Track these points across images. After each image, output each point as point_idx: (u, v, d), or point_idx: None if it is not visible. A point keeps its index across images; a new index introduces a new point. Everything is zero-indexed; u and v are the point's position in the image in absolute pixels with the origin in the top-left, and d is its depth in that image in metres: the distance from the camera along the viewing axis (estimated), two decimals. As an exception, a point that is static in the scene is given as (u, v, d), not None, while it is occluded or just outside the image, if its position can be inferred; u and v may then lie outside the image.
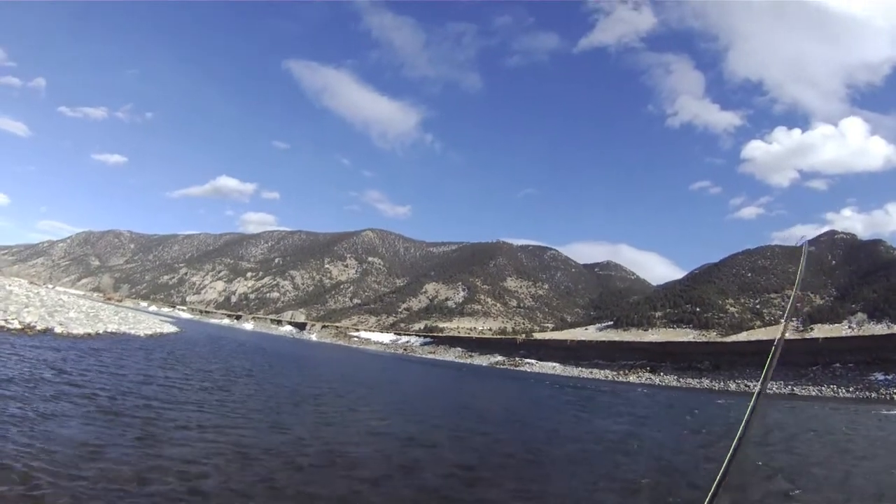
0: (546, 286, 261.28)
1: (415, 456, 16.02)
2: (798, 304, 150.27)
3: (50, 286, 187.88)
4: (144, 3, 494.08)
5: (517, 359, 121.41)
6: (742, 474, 14.01)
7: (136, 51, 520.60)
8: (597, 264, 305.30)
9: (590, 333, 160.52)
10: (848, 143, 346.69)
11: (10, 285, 56.65)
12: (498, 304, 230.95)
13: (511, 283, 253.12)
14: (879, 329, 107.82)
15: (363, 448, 16.34)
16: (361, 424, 21.20)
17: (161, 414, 16.07)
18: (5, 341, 24.66)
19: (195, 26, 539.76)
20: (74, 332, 35.07)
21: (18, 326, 29.70)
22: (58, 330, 33.31)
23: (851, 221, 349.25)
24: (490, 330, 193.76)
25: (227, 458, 12.70)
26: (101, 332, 40.33)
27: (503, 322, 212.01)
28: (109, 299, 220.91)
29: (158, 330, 59.66)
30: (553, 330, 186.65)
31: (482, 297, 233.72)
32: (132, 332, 48.02)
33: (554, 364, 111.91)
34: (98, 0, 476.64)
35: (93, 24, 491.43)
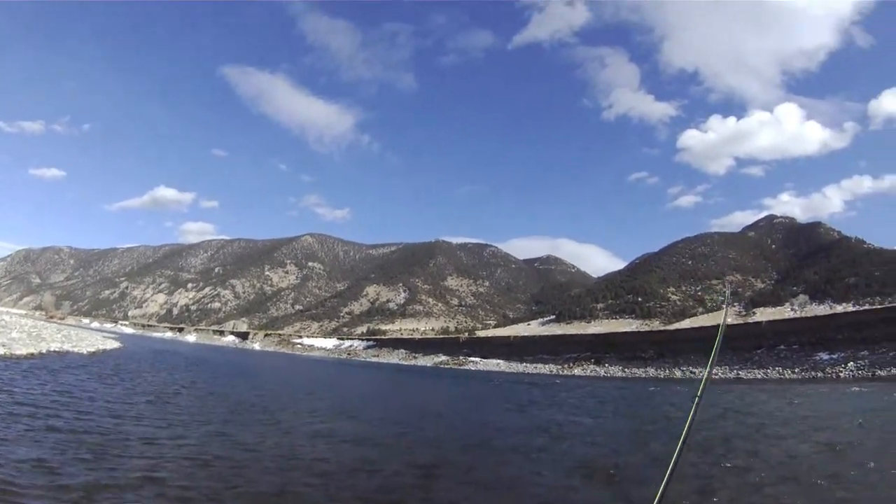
0: (487, 283, 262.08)
1: (363, 455, 15.99)
2: (739, 289, 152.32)
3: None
4: (78, 12, 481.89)
5: (461, 357, 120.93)
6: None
7: (72, 63, 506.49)
8: (537, 259, 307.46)
9: (533, 328, 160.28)
10: (784, 129, 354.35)
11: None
12: (440, 304, 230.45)
13: (452, 281, 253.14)
14: (822, 310, 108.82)
15: (311, 449, 16.27)
16: (307, 427, 20.73)
17: (109, 429, 15.71)
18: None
19: (130, 35, 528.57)
20: (17, 352, 34.61)
21: (-44, 350, 28.12)
22: (0, 351, 32.78)
23: (790, 206, 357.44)
24: (433, 330, 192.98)
25: (179, 467, 12.47)
26: (44, 351, 40.06)
27: (446, 321, 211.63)
28: (52, 317, 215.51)
29: (101, 347, 58.87)
30: (496, 327, 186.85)
31: (424, 297, 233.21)
32: (75, 349, 47.50)
33: (498, 361, 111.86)
34: (32, 10, 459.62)
35: (28, 35, 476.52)
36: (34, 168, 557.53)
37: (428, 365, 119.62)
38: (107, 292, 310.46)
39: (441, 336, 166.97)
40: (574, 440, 20.68)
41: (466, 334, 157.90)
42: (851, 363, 61.40)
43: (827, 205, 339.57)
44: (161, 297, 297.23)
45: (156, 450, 13.76)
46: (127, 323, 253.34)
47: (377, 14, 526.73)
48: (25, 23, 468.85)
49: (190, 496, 10.42)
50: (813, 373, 62.26)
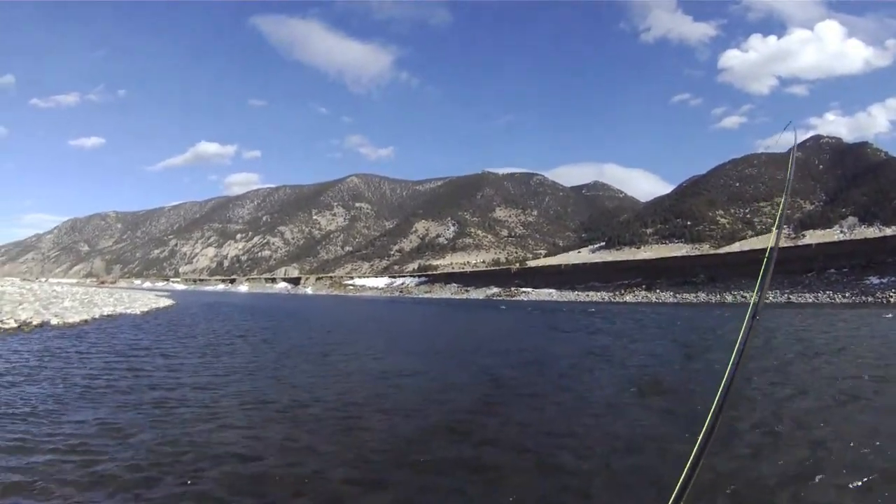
0: (535, 213, 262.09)
1: (421, 386, 16.33)
2: (788, 211, 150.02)
3: (42, 279, 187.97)
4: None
5: (513, 289, 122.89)
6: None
7: (101, 31, 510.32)
8: (584, 186, 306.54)
9: (583, 256, 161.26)
10: (826, 47, 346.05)
11: (2, 286, 56.57)
12: (489, 236, 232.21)
13: (500, 213, 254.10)
14: (871, 232, 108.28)
15: (370, 386, 16.41)
16: (361, 364, 21.30)
17: (167, 384, 15.71)
18: (1, 341, 24.28)
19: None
20: (70, 320, 34.47)
21: (14, 325, 29.41)
22: (54, 322, 32.79)
23: (835, 125, 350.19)
24: (483, 262, 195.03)
25: (241, 414, 12.46)
26: (97, 316, 39.86)
27: (496, 253, 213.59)
28: (103, 283, 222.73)
29: (154, 306, 58.57)
30: (546, 256, 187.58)
31: (473, 230, 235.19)
32: (128, 311, 47.42)
33: (550, 290, 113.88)
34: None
35: (54, 12, 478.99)
36: (73, 139, 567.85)
37: (480, 297, 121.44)
38: (156, 252, 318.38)
39: (492, 268, 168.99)
40: (624, 362, 21.21)
41: (517, 265, 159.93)
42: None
43: (873, 124, 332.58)
44: (211, 251, 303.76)
45: (214, 399, 13.89)
46: (179, 280, 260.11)
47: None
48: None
49: (253, 444, 10.22)
50: (863, 297, 62.69)
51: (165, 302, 70.26)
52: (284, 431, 11.05)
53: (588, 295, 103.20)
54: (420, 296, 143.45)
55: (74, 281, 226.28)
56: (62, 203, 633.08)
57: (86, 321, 36.07)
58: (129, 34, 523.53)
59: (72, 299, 50.53)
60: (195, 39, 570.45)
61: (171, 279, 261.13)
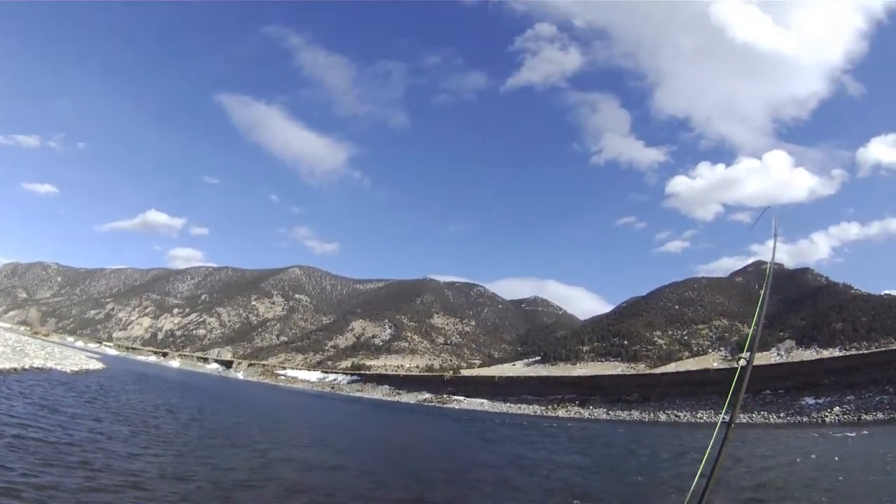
0: (473, 323, 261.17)
1: (335, 481, 17.04)
2: (726, 334, 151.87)
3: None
4: (78, 31, 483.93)
5: (445, 396, 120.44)
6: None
7: (70, 80, 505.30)
8: (524, 300, 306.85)
9: (518, 369, 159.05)
10: (772, 176, 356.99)
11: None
12: (425, 342, 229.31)
13: (438, 320, 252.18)
14: (809, 355, 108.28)
15: (285, 474, 17.04)
16: (282, 453, 21.75)
17: (85, 446, 15.99)
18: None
19: (129, 56, 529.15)
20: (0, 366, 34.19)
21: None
22: None
23: (777, 252, 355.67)
24: (417, 367, 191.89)
25: (155, 485, 13.03)
26: (27, 367, 40.13)
27: (430, 359, 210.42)
28: (36, 333, 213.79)
29: (85, 367, 59.33)
30: (481, 366, 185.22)
31: (409, 334, 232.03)
32: (58, 367, 47.65)
33: (482, 400, 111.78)
34: (33, 24, 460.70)
35: (28, 49, 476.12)
36: (27, 182, 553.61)
37: (411, 402, 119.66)
38: (92, 312, 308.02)
39: (425, 374, 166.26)
40: (543, 474, 22.04)
41: (451, 373, 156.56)
42: (837, 408, 61.39)
43: (814, 251, 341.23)
44: (146, 321, 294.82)
45: (132, 468, 14.07)
46: (111, 344, 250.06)
47: (373, 51, 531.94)
48: (25, 36, 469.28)
49: None
50: (798, 417, 62.42)
51: (97, 364, 71.54)
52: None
53: (520, 407, 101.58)
54: (351, 394, 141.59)
55: (8, 325, 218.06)
56: (5, 244, 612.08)
57: (15, 370, 36.50)
58: (98, 88, 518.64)
59: (3, 344, 51.55)
60: (160, 106, 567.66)
61: (104, 342, 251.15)
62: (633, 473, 24.23)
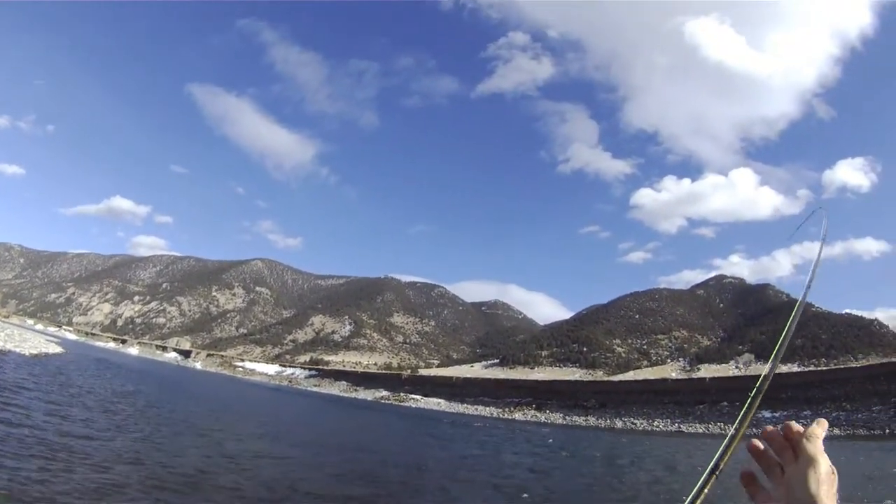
0: (433, 323, 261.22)
1: (281, 474, 17.02)
2: (685, 345, 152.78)
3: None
4: (56, 12, 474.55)
5: (402, 394, 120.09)
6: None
7: (44, 61, 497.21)
8: (484, 303, 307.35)
9: (476, 371, 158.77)
10: (737, 193, 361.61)
11: None
12: (384, 340, 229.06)
13: (398, 318, 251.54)
14: (767, 369, 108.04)
15: (232, 465, 17.11)
16: (232, 445, 21.80)
17: (43, 430, 15.94)
18: None
19: (103, 41, 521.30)
20: None
21: None
22: None
23: (739, 267, 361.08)
24: (376, 365, 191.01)
25: (104, 468, 13.09)
26: None
27: (389, 357, 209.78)
28: None
29: (44, 350, 58.52)
30: (439, 366, 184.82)
31: (369, 331, 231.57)
32: (17, 350, 47.48)
33: (439, 400, 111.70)
34: (10, 2, 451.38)
35: (2, 28, 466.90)
36: None
37: (369, 399, 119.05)
38: (53, 296, 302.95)
39: (384, 371, 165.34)
40: (491, 473, 23.26)
41: (409, 371, 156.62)
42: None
43: (776, 267, 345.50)
44: (107, 307, 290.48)
45: (87, 450, 14.46)
46: (71, 329, 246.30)
47: (346, 50, 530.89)
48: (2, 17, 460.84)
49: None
50: (754, 430, 61.17)
51: (56, 349, 70.40)
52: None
53: (477, 409, 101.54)
54: (309, 388, 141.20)
55: None
56: None
57: None
58: (71, 73, 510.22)
59: None
60: (132, 93, 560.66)
61: (64, 327, 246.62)
62: (578, 476, 25.22)
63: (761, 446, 0.91)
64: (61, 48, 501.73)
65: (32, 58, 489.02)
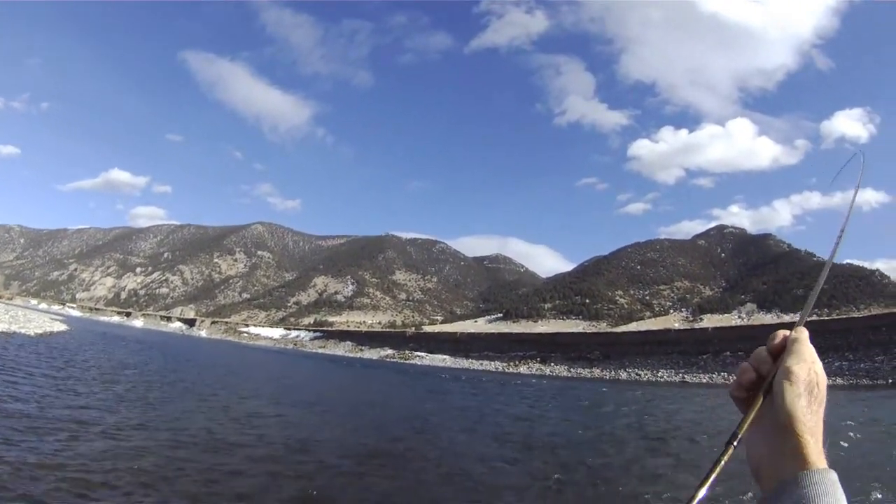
0: (435, 279, 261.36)
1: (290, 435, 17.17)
2: (687, 295, 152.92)
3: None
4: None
5: (407, 352, 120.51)
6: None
7: (35, 40, 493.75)
8: (486, 257, 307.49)
9: (480, 326, 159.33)
10: (735, 143, 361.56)
11: None
12: (387, 298, 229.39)
13: (400, 276, 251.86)
14: (769, 319, 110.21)
15: (239, 428, 17.25)
16: (239, 408, 22.04)
17: (51, 408, 15.86)
18: None
19: (94, 17, 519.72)
20: None
21: None
22: None
23: (739, 217, 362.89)
24: (380, 323, 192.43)
25: (115, 443, 12.92)
26: None
27: (393, 315, 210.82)
28: (0, 297, 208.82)
29: (49, 329, 58.34)
30: (443, 323, 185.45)
31: (371, 290, 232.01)
32: (22, 331, 47.28)
33: (444, 356, 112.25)
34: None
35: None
36: None
37: (374, 357, 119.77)
38: (56, 273, 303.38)
39: (388, 330, 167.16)
40: (491, 423, 24.63)
41: (413, 329, 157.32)
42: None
43: (776, 218, 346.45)
44: (109, 281, 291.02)
45: (94, 419, 14.89)
46: (74, 306, 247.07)
47: (338, 11, 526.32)
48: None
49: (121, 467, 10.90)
50: None
51: (60, 326, 70.26)
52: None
53: (482, 364, 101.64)
54: (314, 350, 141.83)
55: None
56: None
57: None
58: (62, 49, 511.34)
59: None
60: (124, 65, 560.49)
61: (68, 304, 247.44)
62: (580, 426, 25.47)
63: (749, 369, 0.83)
64: (52, 25, 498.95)
65: (23, 37, 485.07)
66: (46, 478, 9.44)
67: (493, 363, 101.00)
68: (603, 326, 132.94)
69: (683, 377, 69.13)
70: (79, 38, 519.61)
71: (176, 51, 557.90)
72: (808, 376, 1.01)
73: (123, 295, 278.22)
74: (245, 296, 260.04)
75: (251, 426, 17.65)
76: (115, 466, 10.70)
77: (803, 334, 0.90)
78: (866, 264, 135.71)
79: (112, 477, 10.05)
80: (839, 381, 54.58)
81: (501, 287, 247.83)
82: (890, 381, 56.86)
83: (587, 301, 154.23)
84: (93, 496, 9.08)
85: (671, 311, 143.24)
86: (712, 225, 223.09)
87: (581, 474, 14.23)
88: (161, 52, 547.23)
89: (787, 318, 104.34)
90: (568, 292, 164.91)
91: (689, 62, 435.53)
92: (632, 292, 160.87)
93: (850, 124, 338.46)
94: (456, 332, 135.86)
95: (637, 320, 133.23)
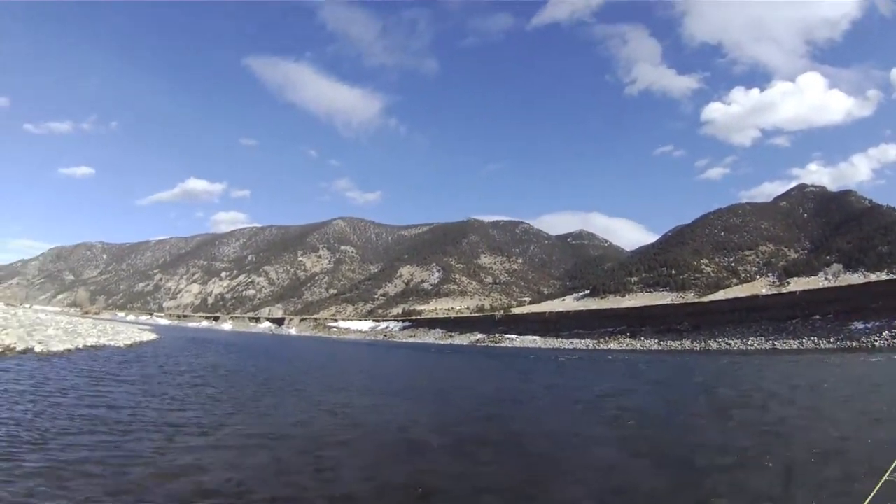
0: (520, 260, 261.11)
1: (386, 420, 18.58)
2: (773, 259, 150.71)
3: (27, 305, 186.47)
4: (98, 11, 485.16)
5: (497, 335, 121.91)
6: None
7: (97, 60, 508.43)
8: (569, 234, 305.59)
9: (567, 304, 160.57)
10: (807, 99, 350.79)
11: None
12: (474, 283, 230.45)
13: (485, 259, 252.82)
14: (856, 279, 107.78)
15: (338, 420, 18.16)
16: (333, 399, 23.46)
17: (161, 416, 16.48)
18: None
19: (152, 31, 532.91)
20: (54, 349, 34.24)
21: (-4, 349, 29.03)
22: (38, 349, 32.52)
23: (818, 175, 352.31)
24: (468, 309, 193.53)
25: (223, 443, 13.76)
26: (80, 346, 39.86)
27: (480, 300, 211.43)
28: (87, 313, 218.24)
29: (138, 339, 58.66)
30: (530, 303, 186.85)
31: (457, 276, 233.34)
32: (112, 343, 47.43)
33: (534, 337, 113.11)
34: (53, 7, 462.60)
35: (52, 36, 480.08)
36: (64, 167, 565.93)
37: (464, 343, 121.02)
38: (141, 285, 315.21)
39: (476, 314, 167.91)
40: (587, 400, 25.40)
41: (502, 312, 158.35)
42: (886, 332, 61.67)
43: (855, 173, 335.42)
44: (195, 287, 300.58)
45: (186, 421, 15.74)
46: (162, 314, 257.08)
47: (395, 1, 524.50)
48: (47, 24, 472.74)
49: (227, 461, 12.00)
50: (848, 342, 62.55)
51: (149, 335, 70.42)
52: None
53: (572, 342, 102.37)
54: (404, 340, 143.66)
55: (58, 309, 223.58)
56: (49, 230, 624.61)
57: (69, 350, 35.93)
58: (124, 67, 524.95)
59: (56, 327, 50.22)
60: (188, 76, 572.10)
61: (155, 314, 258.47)
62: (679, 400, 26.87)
63: None
64: (109, 44, 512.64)
65: (84, 59, 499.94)
66: (161, 484, 10.09)
67: (583, 341, 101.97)
68: (690, 297, 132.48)
69: (773, 344, 69.21)
70: (137, 54, 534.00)
71: (239, 57, 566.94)
72: None
73: (210, 300, 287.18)
74: (332, 291, 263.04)
75: (344, 416, 18.63)
76: (214, 465, 11.56)
77: None
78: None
79: (213, 477, 10.76)
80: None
81: (587, 263, 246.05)
82: None
83: (673, 272, 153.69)
84: (199, 498, 9.62)
85: (757, 276, 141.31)
86: (792, 185, 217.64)
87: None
88: (223, 60, 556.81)
89: (873, 277, 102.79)
90: (653, 264, 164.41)
91: (752, 18, 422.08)
92: (717, 260, 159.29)
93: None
94: (544, 312, 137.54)
95: (724, 288, 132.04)
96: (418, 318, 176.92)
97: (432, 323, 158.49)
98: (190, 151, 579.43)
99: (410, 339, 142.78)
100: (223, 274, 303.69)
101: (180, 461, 11.63)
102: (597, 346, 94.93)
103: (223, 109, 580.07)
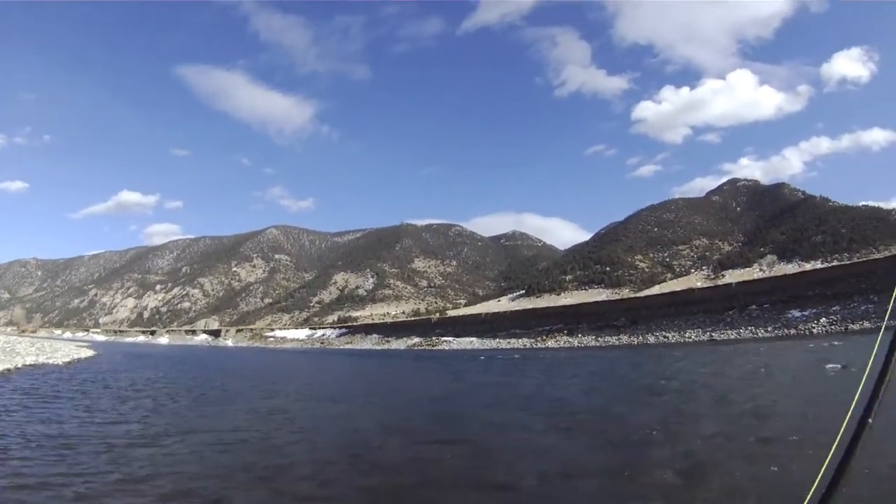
0: (454, 263, 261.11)
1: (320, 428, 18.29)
2: (707, 253, 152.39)
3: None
4: (23, 20, 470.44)
5: (434, 338, 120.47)
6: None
7: (27, 72, 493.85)
8: (503, 235, 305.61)
9: (503, 304, 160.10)
10: (737, 95, 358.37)
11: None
12: (409, 287, 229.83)
13: (419, 263, 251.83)
14: (791, 269, 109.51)
15: (268, 427, 17.73)
16: (264, 406, 23.60)
17: (106, 430, 16.23)
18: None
19: (82, 43, 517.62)
20: None
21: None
22: None
23: (750, 170, 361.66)
24: (404, 313, 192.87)
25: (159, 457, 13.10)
26: (20, 365, 39.97)
27: (416, 304, 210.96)
28: (24, 332, 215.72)
29: (76, 356, 58.58)
30: (466, 305, 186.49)
31: (392, 281, 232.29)
32: (51, 361, 47.54)
33: (472, 339, 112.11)
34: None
35: None
36: None
37: (402, 348, 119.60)
38: (76, 301, 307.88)
39: (413, 318, 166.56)
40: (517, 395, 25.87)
41: (438, 315, 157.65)
42: (823, 319, 61.55)
43: (787, 166, 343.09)
44: (130, 302, 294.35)
45: (128, 434, 15.39)
46: (98, 330, 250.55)
47: (328, 9, 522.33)
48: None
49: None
50: (786, 330, 62.52)
51: (87, 352, 70.75)
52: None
53: (510, 342, 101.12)
54: (341, 346, 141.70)
55: None
56: None
57: (9, 370, 36.16)
58: (56, 79, 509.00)
59: None
60: (120, 88, 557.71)
61: (92, 330, 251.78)
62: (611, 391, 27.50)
63: None
64: (42, 55, 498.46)
65: (14, 71, 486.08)
66: (116, 493, 9.81)
67: (520, 340, 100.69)
68: (626, 293, 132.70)
69: (711, 335, 68.99)
70: (71, 67, 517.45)
71: (170, 67, 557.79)
72: None
73: (146, 314, 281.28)
74: (267, 300, 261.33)
75: (287, 424, 18.19)
76: (156, 473, 11.29)
77: None
78: (882, 205, 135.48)
79: (153, 487, 10.43)
80: (867, 324, 54.62)
81: (521, 263, 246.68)
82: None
83: (608, 269, 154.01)
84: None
85: (692, 270, 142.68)
86: (724, 180, 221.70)
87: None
88: (154, 69, 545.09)
89: (808, 266, 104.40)
90: (588, 262, 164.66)
91: (683, 19, 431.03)
92: (651, 255, 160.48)
93: (849, 65, 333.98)
94: (480, 314, 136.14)
95: (659, 283, 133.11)
96: (354, 324, 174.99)
97: (369, 329, 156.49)
98: (123, 163, 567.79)
99: (347, 346, 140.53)
100: (158, 287, 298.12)
101: (133, 472, 11.49)
102: (534, 345, 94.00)
103: (155, 120, 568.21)
